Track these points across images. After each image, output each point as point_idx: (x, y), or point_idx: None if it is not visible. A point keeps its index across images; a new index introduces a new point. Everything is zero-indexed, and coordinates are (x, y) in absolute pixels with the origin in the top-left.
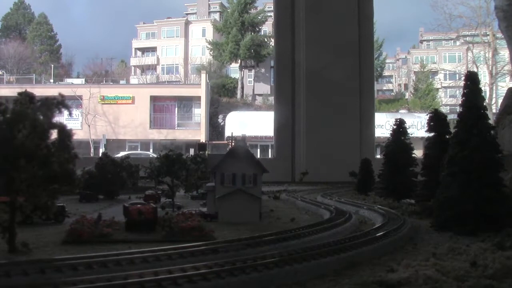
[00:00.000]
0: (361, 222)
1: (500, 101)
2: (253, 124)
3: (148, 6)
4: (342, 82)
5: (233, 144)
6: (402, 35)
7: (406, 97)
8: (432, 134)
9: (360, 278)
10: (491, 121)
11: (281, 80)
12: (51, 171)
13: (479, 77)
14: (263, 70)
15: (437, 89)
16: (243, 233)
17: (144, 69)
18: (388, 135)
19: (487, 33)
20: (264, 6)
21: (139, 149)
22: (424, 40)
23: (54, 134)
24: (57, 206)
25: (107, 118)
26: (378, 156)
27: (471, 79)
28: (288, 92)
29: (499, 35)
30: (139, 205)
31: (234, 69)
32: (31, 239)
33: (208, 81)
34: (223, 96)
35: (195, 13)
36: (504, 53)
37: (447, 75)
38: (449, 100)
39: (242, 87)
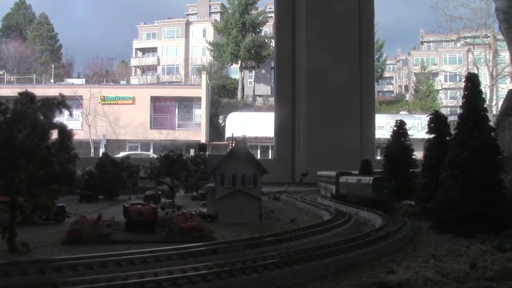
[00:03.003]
0: (361, 224)
1: (500, 103)
2: (254, 125)
3: (148, 7)
4: (342, 83)
5: (233, 145)
6: (402, 36)
7: (407, 98)
8: (432, 135)
9: (360, 279)
10: (491, 123)
11: (282, 81)
12: (51, 171)
13: (480, 79)
14: (263, 71)
15: (438, 91)
16: (243, 234)
17: (145, 69)
18: (389, 137)
19: (488, 35)
20: (265, 7)
21: (139, 150)
22: (425, 42)
23: (54, 134)
24: (57, 206)
25: (108, 118)
26: (379, 157)
27: (472, 81)
28: (289, 93)
29: (500, 36)
30: (139, 206)
31: (234, 70)
32: (31, 239)
33: (208, 81)
34: (224, 97)
35: (196, 13)
36: (505, 55)
37: (448, 77)
38: (450, 101)
39: (243, 88)
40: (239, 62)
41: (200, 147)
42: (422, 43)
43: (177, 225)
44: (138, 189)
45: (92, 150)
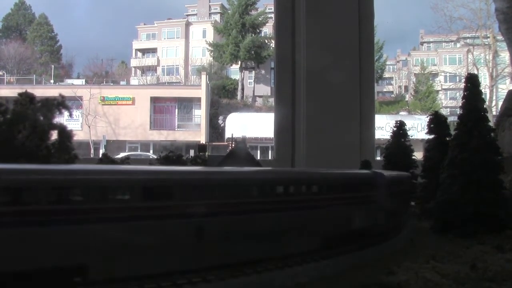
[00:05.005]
0: None
1: (500, 103)
2: (253, 125)
3: (148, 7)
4: (342, 84)
5: (233, 145)
6: (402, 37)
7: (406, 99)
8: (432, 136)
9: (360, 280)
10: (491, 123)
11: (281, 81)
12: None
13: (480, 79)
14: (263, 71)
15: (438, 91)
16: None
17: (145, 70)
18: (388, 137)
19: (488, 35)
20: (265, 7)
21: (139, 150)
22: (425, 42)
23: (54, 135)
24: None
25: (107, 119)
26: (378, 158)
27: (472, 81)
28: (288, 94)
29: (500, 37)
30: None
31: (234, 71)
32: None
33: (208, 82)
34: (223, 98)
35: (196, 14)
36: (505, 55)
37: (448, 77)
38: (450, 102)
39: (243, 89)
40: (239, 62)
41: (200, 147)
42: (422, 43)
43: None
44: None
45: (92, 151)
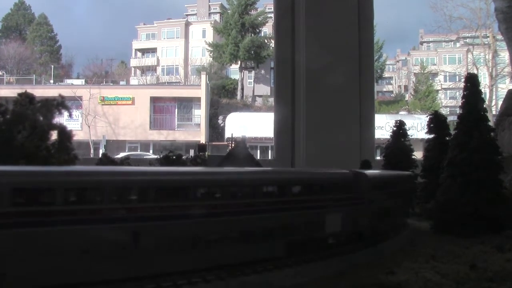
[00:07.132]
0: None
1: (500, 103)
2: (253, 125)
3: (148, 7)
4: (342, 84)
5: (233, 145)
6: (402, 36)
7: (406, 98)
8: (432, 135)
9: (360, 280)
10: (491, 123)
11: (281, 81)
12: None
13: (479, 79)
14: (263, 71)
15: (437, 91)
16: None
17: (144, 70)
18: (388, 137)
19: (487, 35)
20: (264, 7)
21: (139, 150)
22: (424, 42)
23: (54, 135)
24: None
25: (107, 119)
26: (378, 158)
27: (471, 81)
28: (288, 94)
29: (499, 37)
30: None
31: (234, 71)
32: None
33: (208, 82)
34: (223, 97)
35: (195, 14)
36: (504, 55)
37: (447, 77)
38: (449, 101)
39: (242, 88)
40: (239, 62)
41: (200, 147)
42: (421, 43)
43: None
44: None
45: (92, 151)
